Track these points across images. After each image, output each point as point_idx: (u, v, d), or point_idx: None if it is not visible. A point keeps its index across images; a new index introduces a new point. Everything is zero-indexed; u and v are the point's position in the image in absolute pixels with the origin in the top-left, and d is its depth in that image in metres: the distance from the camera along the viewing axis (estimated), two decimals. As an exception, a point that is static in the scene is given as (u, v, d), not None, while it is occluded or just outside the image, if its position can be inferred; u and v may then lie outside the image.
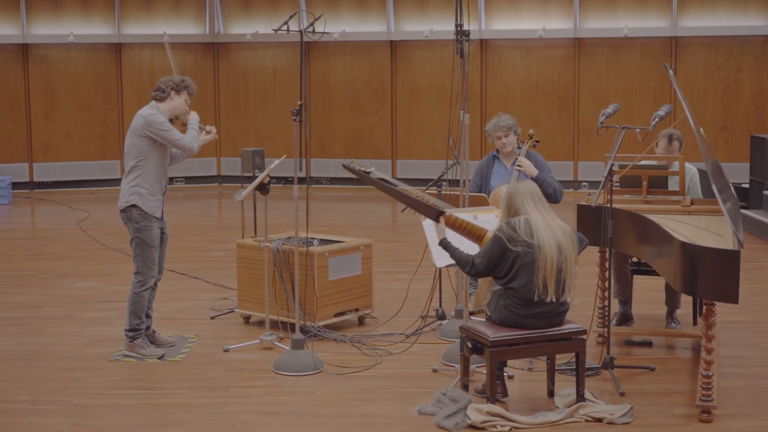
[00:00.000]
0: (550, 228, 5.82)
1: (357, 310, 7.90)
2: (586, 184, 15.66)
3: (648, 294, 8.44)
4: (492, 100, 15.94)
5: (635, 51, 15.60)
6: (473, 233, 6.09)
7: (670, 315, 7.65)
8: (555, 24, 15.78)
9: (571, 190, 15.54)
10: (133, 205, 6.99)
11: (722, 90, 15.37)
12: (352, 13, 16.35)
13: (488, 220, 6.42)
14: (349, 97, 16.58)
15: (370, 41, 16.39)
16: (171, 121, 7.12)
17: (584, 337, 5.95)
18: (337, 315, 7.71)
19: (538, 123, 15.44)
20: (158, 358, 7.08)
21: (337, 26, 16.02)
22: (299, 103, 6.59)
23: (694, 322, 7.72)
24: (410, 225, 12.94)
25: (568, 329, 5.90)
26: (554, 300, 5.78)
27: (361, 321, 7.97)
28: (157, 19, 16.58)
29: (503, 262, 5.79)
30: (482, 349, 5.84)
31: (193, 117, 7.21)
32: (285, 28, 6.57)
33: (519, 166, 8.19)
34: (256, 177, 7.71)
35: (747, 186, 12.71)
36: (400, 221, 13.98)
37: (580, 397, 5.92)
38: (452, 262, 6.30)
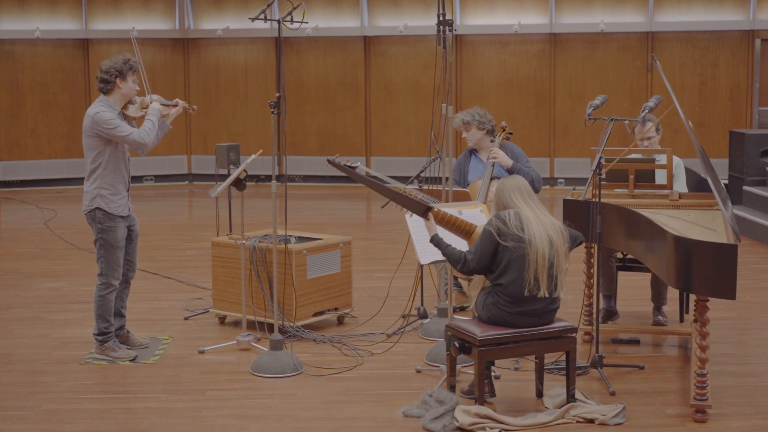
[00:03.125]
0: (541, 222, 5.62)
1: (336, 309, 7.68)
2: (562, 180, 15.51)
3: (632, 290, 8.29)
4: (467, 96, 15.76)
5: (611, 46, 15.48)
6: (462, 229, 5.87)
7: (657, 311, 7.48)
8: (530, 19, 15.63)
9: (548, 186, 15.38)
10: (97, 208, 6.73)
11: (699, 85, 15.27)
12: (325, 8, 16.12)
13: (473, 215, 6.21)
14: (322, 94, 16.36)
15: (343, 36, 16.17)
16: (126, 106, 6.82)
17: (574, 335, 5.76)
18: (315, 314, 7.49)
19: (514, 119, 15.28)
20: (130, 361, 6.82)
21: (309, 21, 15.79)
22: (277, 95, 6.36)
23: (681, 319, 7.55)
24: (386, 222, 12.74)
25: (558, 327, 5.70)
26: (546, 295, 5.58)
27: (340, 320, 7.75)
28: (126, 14, 16.29)
29: (495, 258, 5.59)
30: (470, 349, 5.63)
31: (154, 107, 6.84)
32: (262, 16, 6.33)
33: (493, 158, 8.04)
34: (231, 173, 7.48)
35: (726, 182, 12.60)
36: (375, 219, 13.77)
37: (571, 398, 5.73)
38: (436, 258, 6.11)
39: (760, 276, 9.48)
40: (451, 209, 6.28)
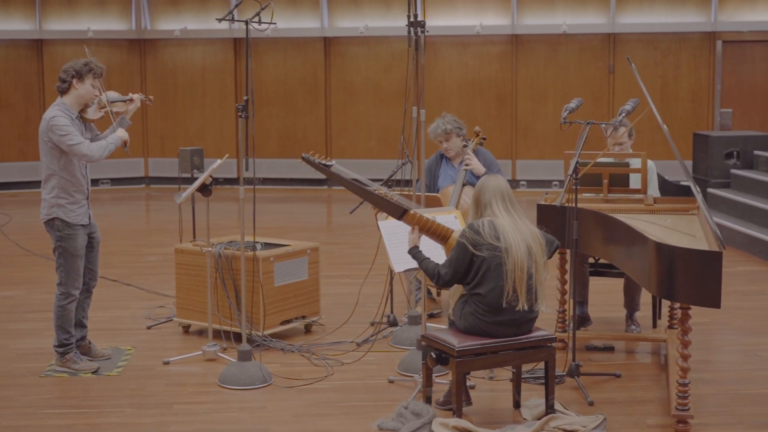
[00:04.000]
0: (519, 231, 5.46)
1: (304, 317, 7.48)
2: (524, 182, 15.41)
3: (603, 296, 8.18)
4: (428, 98, 15.52)
5: (573, 48, 15.41)
6: (438, 233, 5.70)
7: (630, 317, 7.37)
8: (492, 20, 15.52)
9: (510, 189, 15.27)
10: (56, 217, 6.49)
11: (660, 87, 15.24)
12: (284, 9, 15.90)
13: (447, 221, 6.04)
14: (282, 95, 16.15)
15: (303, 38, 15.97)
16: (84, 109, 6.59)
17: (554, 344, 5.62)
18: (283, 323, 7.29)
19: (476, 121, 15.11)
20: (92, 373, 6.58)
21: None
22: (245, 98, 6.17)
23: (654, 325, 7.46)
24: (348, 226, 12.59)
25: (537, 337, 5.55)
26: (525, 308, 5.42)
27: (307, 329, 7.55)
28: (81, 14, 15.96)
29: (471, 268, 5.42)
30: (447, 360, 5.46)
31: (116, 136, 6.57)
32: (230, 17, 6.14)
33: (467, 165, 7.89)
34: (195, 177, 7.27)
35: (688, 184, 12.53)
36: (336, 223, 13.59)
37: (550, 408, 5.58)
38: (410, 266, 5.93)
39: (729, 279, 9.36)
40: (425, 214, 6.12)
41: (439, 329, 5.98)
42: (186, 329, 7.53)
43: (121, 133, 6.64)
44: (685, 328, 5.47)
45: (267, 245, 7.46)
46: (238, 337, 7.02)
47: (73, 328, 6.65)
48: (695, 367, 6.57)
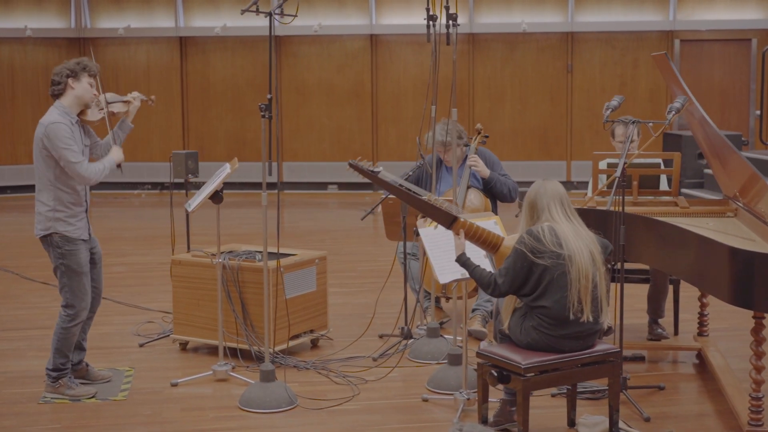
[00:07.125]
0: (581, 237, 5.09)
1: (312, 331, 7.01)
2: (482, 184, 15.11)
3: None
4: (383, 98, 15.23)
5: (531, 47, 15.16)
6: (488, 242, 5.30)
7: (655, 323, 7.08)
8: (448, 18, 15.18)
9: (467, 191, 14.97)
10: (54, 232, 5.93)
11: (619, 86, 15.09)
12: (232, 6, 15.34)
13: (488, 227, 5.64)
14: (230, 96, 15.58)
15: (252, 36, 15.44)
16: (84, 112, 6.05)
17: (619, 359, 5.25)
18: (292, 338, 6.80)
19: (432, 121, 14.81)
20: (91, 398, 6.01)
21: (217, 20, 15.01)
22: (269, 96, 5.71)
23: (675, 332, 7.18)
24: (306, 232, 12.15)
25: (601, 351, 5.18)
26: (590, 320, 5.05)
27: (314, 343, 7.08)
28: (17, 12, 15.20)
29: (530, 278, 5.03)
30: (508, 377, 5.06)
31: (112, 157, 6.08)
32: (254, 8, 5.67)
33: (473, 164, 7.49)
34: (190, 182, 6.77)
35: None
36: (288, 228, 13.09)
37: (614, 426, 5.22)
38: (456, 277, 5.53)
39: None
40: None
41: (498, 346, 5.57)
42: (184, 346, 7.00)
43: (116, 155, 6.12)
44: (759, 339, 5.16)
45: (270, 254, 6.96)
46: (245, 355, 6.55)
47: (72, 352, 6.08)
48: (737, 375, 6.29)
